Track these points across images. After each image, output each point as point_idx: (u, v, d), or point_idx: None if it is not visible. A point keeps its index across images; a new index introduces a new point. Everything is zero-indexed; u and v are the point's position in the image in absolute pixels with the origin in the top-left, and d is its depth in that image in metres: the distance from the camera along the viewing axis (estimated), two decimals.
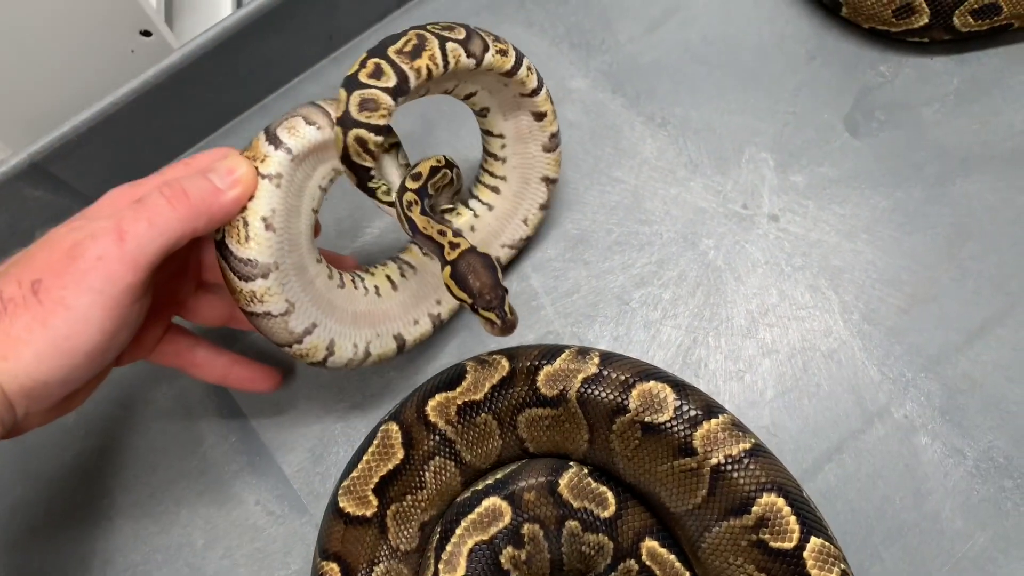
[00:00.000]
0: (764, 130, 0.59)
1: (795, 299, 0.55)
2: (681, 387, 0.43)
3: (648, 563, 0.44)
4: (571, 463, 0.46)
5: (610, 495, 0.45)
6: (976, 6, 0.56)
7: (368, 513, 0.43)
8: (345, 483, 0.44)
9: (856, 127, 0.59)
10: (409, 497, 0.44)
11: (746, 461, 0.41)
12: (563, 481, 0.45)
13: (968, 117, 0.58)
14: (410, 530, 0.44)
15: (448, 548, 0.43)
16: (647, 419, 0.42)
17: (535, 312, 0.56)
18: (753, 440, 0.42)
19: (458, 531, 0.43)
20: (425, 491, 0.45)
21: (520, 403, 0.45)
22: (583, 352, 0.45)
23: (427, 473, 0.45)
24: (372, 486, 0.44)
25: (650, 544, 0.44)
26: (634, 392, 0.43)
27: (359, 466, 0.45)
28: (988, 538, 0.49)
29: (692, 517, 0.42)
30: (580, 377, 0.44)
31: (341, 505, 0.44)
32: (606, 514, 0.44)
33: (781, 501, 0.40)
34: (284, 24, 0.58)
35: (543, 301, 0.56)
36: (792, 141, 0.58)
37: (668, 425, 0.42)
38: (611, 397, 0.43)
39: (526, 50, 0.61)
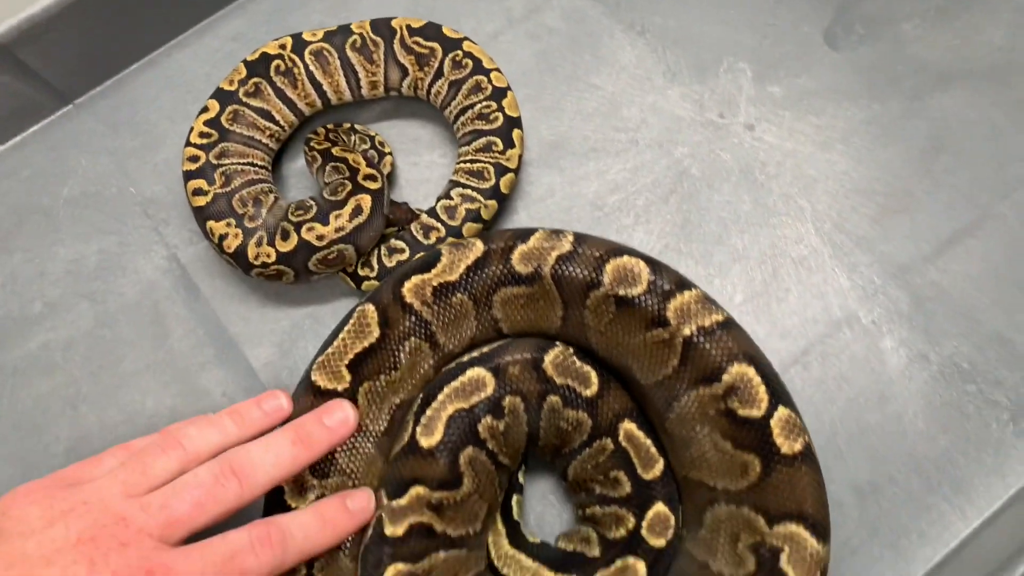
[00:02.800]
0: (743, 41, 0.59)
1: (768, 207, 0.55)
2: (654, 263, 0.43)
3: (624, 444, 0.44)
4: (557, 343, 0.46)
5: (594, 375, 0.45)
6: None
7: (340, 388, 0.43)
8: (320, 359, 0.44)
9: (835, 40, 0.58)
10: (383, 377, 0.44)
11: (718, 332, 0.41)
12: (548, 358, 0.45)
13: (948, 32, 0.58)
14: (380, 411, 0.44)
15: (428, 413, 0.43)
16: (621, 292, 0.42)
17: (508, 216, 0.55)
18: (725, 314, 0.42)
19: (440, 397, 0.43)
20: (398, 371, 0.45)
21: (495, 282, 0.45)
22: (556, 232, 0.45)
23: (402, 353, 0.45)
24: (346, 362, 0.44)
25: (628, 426, 0.44)
26: (608, 267, 0.43)
27: (335, 343, 0.44)
28: (949, 440, 0.49)
29: (662, 388, 0.42)
30: (554, 254, 0.44)
31: (314, 379, 0.44)
32: (588, 392, 0.45)
33: (752, 371, 0.40)
34: None
35: (516, 205, 0.56)
36: (771, 52, 0.58)
37: (642, 298, 0.42)
38: (585, 273, 0.43)
39: None
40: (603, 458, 0.44)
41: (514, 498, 0.47)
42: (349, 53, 0.54)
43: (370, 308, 0.45)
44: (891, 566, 0.47)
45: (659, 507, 0.43)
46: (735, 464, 0.41)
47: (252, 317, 0.53)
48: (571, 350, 0.46)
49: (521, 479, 0.48)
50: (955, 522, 0.48)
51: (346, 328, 0.45)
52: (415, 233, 0.51)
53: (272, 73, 0.53)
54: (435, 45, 0.54)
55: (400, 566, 0.39)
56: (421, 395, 0.44)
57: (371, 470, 0.44)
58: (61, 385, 0.52)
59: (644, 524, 0.43)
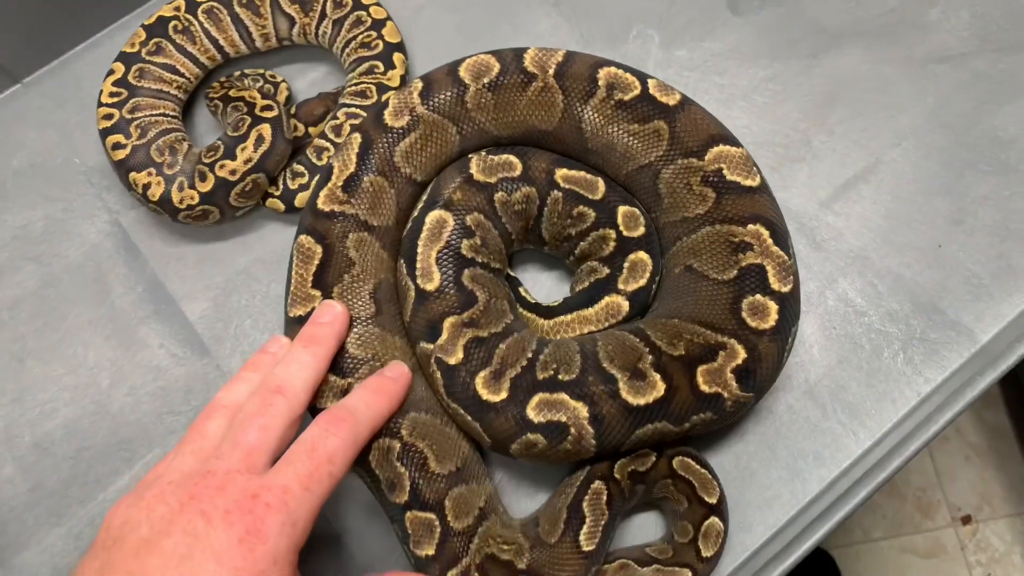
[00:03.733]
0: (651, 9, 0.62)
1: None
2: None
3: (565, 184, 0.51)
4: (470, 155, 0.52)
5: (512, 157, 0.52)
6: None
7: (316, 303, 0.47)
8: (288, 299, 0.48)
9: (738, 6, 0.62)
10: (346, 276, 0.48)
11: (570, 60, 0.51)
12: (473, 168, 0.51)
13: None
14: (361, 300, 0.48)
15: (418, 266, 0.48)
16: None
17: None
18: (564, 50, 0.52)
19: (419, 251, 0.48)
20: (357, 265, 0.49)
21: (388, 147, 0.50)
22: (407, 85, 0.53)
23: (350, 251, 0.49)
24: (309, 285, 0.48)
25: (561, 170, 0.51)
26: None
27: (292, 279, 0.49)
28: (844, 370, 0.52)
29: (565, 121, 0.52)
30: (418, 107, 0.51)
31: (292, 314, 0.48)
32: (517, 172, 0.51)
33: (612, 68, 0.51)
34: None
35: None
36: (677, 19, 0.62)
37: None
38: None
39: None
40: (558, 212, 0.51)
41: (520, 289, 0.54)
42: (237, 9, 0.59)
43: (303, 237, 0.49)
44: (788, 486, 0.50)
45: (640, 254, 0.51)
46: (652, 135, 0.50)
47: (188, 274, 0.57)
48: (483, 152, 0.52)
49: (513, 274, 0.55)
50: (848, 444, 0.51)
51: (294, 263, 0.49)
52: (311, 157, 0.56)
53: (171, 32, 0.58)
54: None
55: (484, 372, 0.45)
56: (401, 258, 0.49)
57: (386, 345, 0.48)
58: (7, 340, 0.55)
59: (625, 266, 0.51)
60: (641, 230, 0.51)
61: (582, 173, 0.52)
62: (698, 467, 0.48)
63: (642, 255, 0.51)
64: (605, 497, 0.46)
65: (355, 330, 0.47)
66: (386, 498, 0.46)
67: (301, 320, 0.47)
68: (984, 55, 0.59)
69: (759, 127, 0.58)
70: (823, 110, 0.59)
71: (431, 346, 0.46)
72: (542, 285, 0.56)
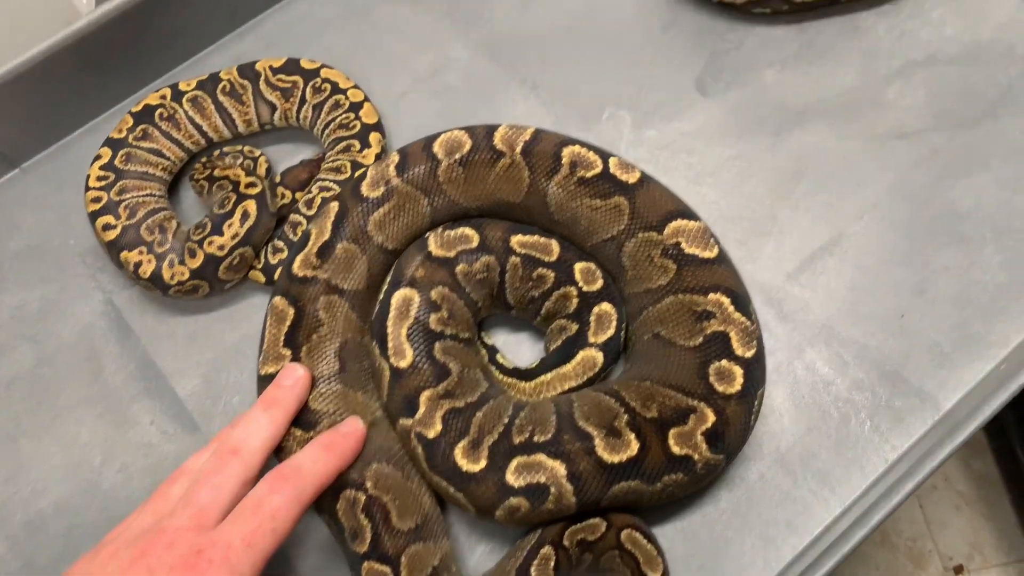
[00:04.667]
0: (623, 92, 0.65)
1: None
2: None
3: (521, 250, 0.54)
4: (428, 233, 0.55)
5: (468, 230, 0.54)
6: None
7: (285, 362, 0.50)
8: (261, 358, 0.51)
9: (705, 87, 0.65)
10: (314, 336, 0.51)
11: (537, 138, 0.55)
12: (432, 246, 0.54)
13: (805, 77, 0.65)
14: (327, 358, 0.51)
15: (390, 346, 0.50)
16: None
17: None
18: (533, 127, 0.55)
19: (389, 330, 0.50)
20: (325, 326, 0.51)
21: (362, 216, 0.53)
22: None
23: (320, 312, 0.51)
24: (281, 344, 0.51)
25: (516, 237, 0.54)
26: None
27: (265, 339, 0.51)
28: (813, 438, 0.54)
29: (531, 195, 0.55)
30: (393, 178, 0.54)
31: (263, 372, 0.50)
32: (475, 244, 0.54)
33: (576, 147, 0.54)
34: None
35: None
36: (647, 100, 0.65)
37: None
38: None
39: (412, 26, 0.68)
40: (519, 276, 0.54)
41: (497, 356, 0.56)
42: (221, 97, 0.62)
43: (277, 298, 0.52)
44: (761, 554, 0.52)
45: (603, 306, 0.53)
46: (613, 210, 0.53)
47: (179, 352, 0.59)
48: (440, 228, 0.55)
49: (489, 342, 0.57)
50: (819, 512, 0.52)
51: (267, 323, 0.52)
52: (287, 233, 0.59)
53: (157, 119, 0.61)
54: (296, 78, 0.62)
55: (463, 443, 0.47)
56: (374, 340, 0.52)
57: (347, 401, 0.50)
58: (2, 420, 0.57)
59: (591, 320, 0.53)
60: (599, 283, 0.54)
61: (536, 237, 0.55)
62: (645, 542, 0.49)
63: (605, 306, 0.53)
64: (553, 563, 0.48)
65: (319, 387, 0.50)
66: (347, 546, 0.48)
67: (271, 377, 0.50)
68: (941, 131, 0.62)
69: (727, 203, 0.61)
70: (788, 185, 0.61)
71: (410, 421, 0.48)
72: (519, 347, 0.58)
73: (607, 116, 0.65)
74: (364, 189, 0.54)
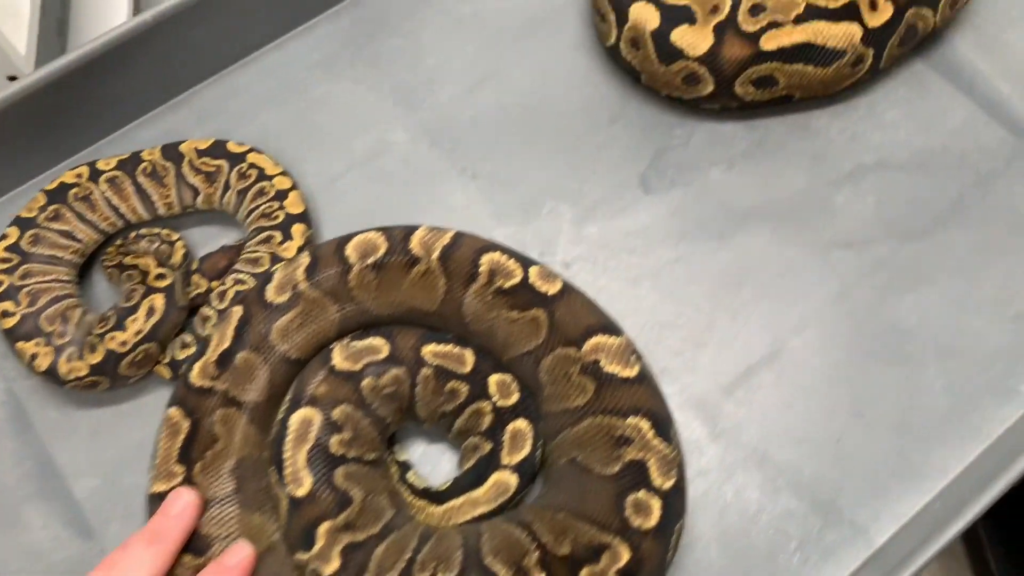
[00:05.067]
0: (565, 185, 0.63)
1: None
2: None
3: (433, 361, 0.51)
4: (333, 344, 0.52)
5: (377, 340, 0.51)
6: (754, 77, 0.61)
7: (177, 482, 0.47)
8: (152, 474, 0.48)
9: (649, 184, 0.63)
10: (208, 453, 0.48)
11: (457, 243, 0.52)
12: (336, 359, 0.51)
13: (752, 178, 0.63)
14: (221, 478, 0.48)
15: (287, 472, 0.47)
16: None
17: None
18: (454, 231, 0.52)
19: (286, 456, 0.47)
20: (220, 442, 0.49)
21: (266, 324, 0.50)
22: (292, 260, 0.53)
23: (215, 426, 0.49)
24: (174, 460, 0.48)
25: (428, 346, 0.52)
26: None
27: (158, 454, 0.48)
28: (742, 570, 0.51)
29: (446, 304, 0.52)
30: (302, 281, 0.52)
31: (153, 491, 0.48)
32: (383, 355, 0.51)
33: (496, 254, 0.52)
34: (122, 68, 0.62)
35: None
36: (590, 196, 0.63)
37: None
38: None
39: (352, 106, 0.66)
40: (431, 390, 0.52)
41: (409, 474, 0.53)
42: (141, 179, 0.59)
43: (172, 410, 0.49)
44: None
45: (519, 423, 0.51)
46: (530, 324, 0.51)
47: (80, 448, 0.55)
48: (347, 339, 0.52)
49: (402, 458, 0.53)
50: None
51: (161, 437, 0.49)
52: (196, 327, 0.56)
53: (71, 200, 0.58)
54: (221, 162, 0.60)
55: None
56: (272, 465, 0.48)
57: (242, 524, 0.47)
58: None
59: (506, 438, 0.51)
60: (515, 396, 0.51)
61: (450, 347, 0.52)
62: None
63: (520, 423, 0.51)
64: None
65: (212, 510, 0.47)
66: None
67: (161, 497, 0.47)
68: (888, 242, 0.60)
69: (665, 308, 0.59)
70: (730, 291, 0.59)
71: (307, 556, 0.45)
72: (439, 459, 0.55)
73: (547, 210, 0.62)
74: (269, 294, 0.51)
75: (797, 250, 0.61)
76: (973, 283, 0.59)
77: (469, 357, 0.52)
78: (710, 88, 0.62)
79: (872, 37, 0.61)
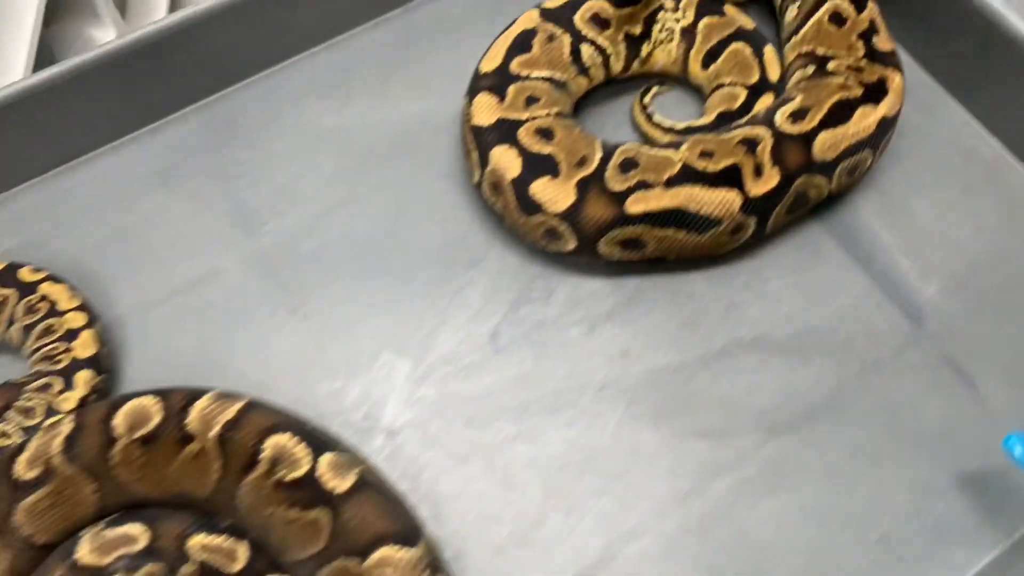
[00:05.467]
0: (407, 336, 0.57)
1: None
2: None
3: (199, 556, 0.45)
4: (83, 531, 0.46)
5: (136, 527, 0.46)
6: (620, 239, 0.55)
7: None
8: None
9: (500, 342, 0.57)
10: None
11: (242, 419, 0.45)
12: (82, 550, 0.45)
13: (612, 344, 0.57)
14: None
15: None
16: None
17: None
18: (245, 400, 0.47)
19: None
20: None
21: (10, 503, 0.44)
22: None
23: None
24: None
25: (196, 537, 0.46)
26: None
27: None
28: None
29: (219, 492, 0.46)
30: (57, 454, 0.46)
31: None
32: (140, 546, 0.45)
33: (285, 436, 0.45)
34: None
35: None
36: (433, 351, 0.56)
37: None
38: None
39: (183, 225, 0.60)
40: None
41: None
42: None
43: None
44: None
45: None
46: (310, 526, 0.44)
47: None
48: (100, 525, 0.46)
49: None
50: None
51: None
52: None
53: None
54: (9, 292, 0.53)
55: None
56: None
57: None
58: None
59: None
60: None
61: (221, 539, 0.46)
62: None
63: None
64: None
65: None
66: None
67: None
68: (750, 435, 0.54)
69: (493, 495, 0.52)
70: (567, 481, 0.53)
71: None
72: None
73: (382, 364, 0.56)
74: (19, 468, 0.45)
75: (649, 436, 0.54)
76: (839, 494, 0.53)
77: (242, 553, 0.45)
78: (572, 245, 0.56)
79: (754, 206, 0.55)
